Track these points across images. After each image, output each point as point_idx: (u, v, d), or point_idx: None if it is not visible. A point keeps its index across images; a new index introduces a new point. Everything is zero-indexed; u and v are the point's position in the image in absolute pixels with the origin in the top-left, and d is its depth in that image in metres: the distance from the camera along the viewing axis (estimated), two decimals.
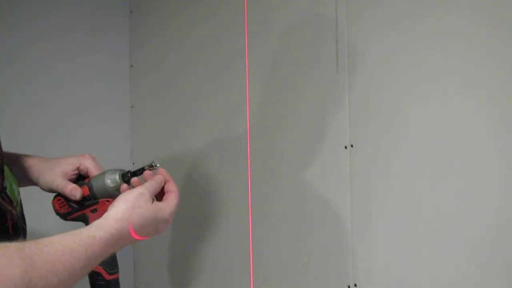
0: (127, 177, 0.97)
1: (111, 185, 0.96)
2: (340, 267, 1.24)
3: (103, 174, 0.98)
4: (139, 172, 0.97)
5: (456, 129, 1.03)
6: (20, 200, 0.94)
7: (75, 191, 0.96)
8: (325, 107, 1.28)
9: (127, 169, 1.00)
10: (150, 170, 0.95)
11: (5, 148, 0.97)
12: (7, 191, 0.88)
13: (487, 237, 0.98)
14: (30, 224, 0.96)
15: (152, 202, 0.88)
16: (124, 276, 2.00)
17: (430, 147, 1.07)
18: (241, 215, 1.48)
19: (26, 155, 1.03)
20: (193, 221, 1.71)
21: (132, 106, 2.05)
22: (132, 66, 2.05)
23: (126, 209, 0.83)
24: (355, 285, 1.20)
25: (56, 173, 0.99)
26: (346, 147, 1.22)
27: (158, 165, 0.95)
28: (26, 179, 1.01)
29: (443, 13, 1.04)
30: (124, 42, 2.06)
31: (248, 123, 1.47)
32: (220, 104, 1.62)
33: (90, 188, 0.97)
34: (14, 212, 0.87)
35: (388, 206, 1.14)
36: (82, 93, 1.95)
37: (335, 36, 1.24)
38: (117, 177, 0.96)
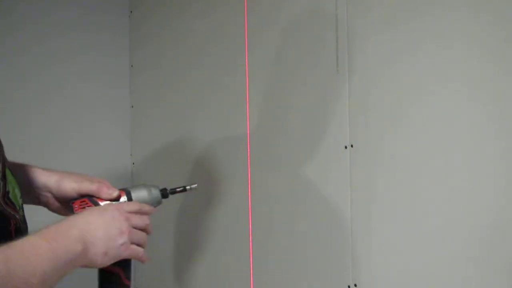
0: (166, 193, 1.00)
1: (155, 196, 0.98)
2: (340, 267, 1.24)
3: (143, 185, 0.99)
4: (178, 190, 1.00)
5: (456, 128, 1.03)
6: (22, 204, 0.93)
7: (112, 190, 0.97)
8: (325, 107, 1.28)
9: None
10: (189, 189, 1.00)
11: (6, 148, 0.97)
12: (10, 195, 0.87)
13: (487, 237, 0.98)
14: (31, 227, 0.95)
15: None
16: None
17: (430, 146, 1.07)
18: (241, 215, 1.49)
19: (34, 166, 1.03)
20: (193, 221, 1.71)
21: (132, 106, 2.05)
22: (132, 66, 2.05)
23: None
24: (355, 285, 1.20)
25: (82, 176, 0.99)
26: (346, 147, 1.22)
27: (195, 186, 1.00)
28: (39, 186, 1.00)
29: (443, 12, 1.05)
30: (124, 42, 2.06)
31: (248, 123, 1.47)
32: (220, 104, 1.62)
33: (128, 194, 0.98)
34: (17, 216, 0.87)
35: (388, 206, 1.14)
36: (82, 93, 1.95)
37: (335, 36, 1.24)
38: (158, 192, 0.99)
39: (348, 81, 1.22)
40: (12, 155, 1.01)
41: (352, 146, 1.21)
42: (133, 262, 0.93)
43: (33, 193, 0.98)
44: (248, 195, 1.45)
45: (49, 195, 0.99)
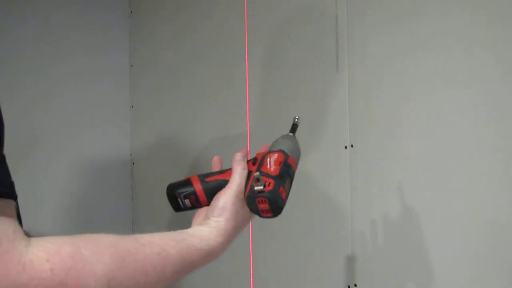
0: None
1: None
2: (340, 266, 1.24)
3: (286, 137, 0.96)
4: (293, 130, 0.97)
5: (455, 128, 1.03)
6: (17, 199, 0.93)
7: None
8: (325, 107, 1.28)
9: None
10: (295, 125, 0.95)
11: (6, 148, 0.96)
12: None
13: (488, 237, 0.98)
14: (25, 224, 0.95)
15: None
16: None
17: (430, 146, 1.07)
18: None
19: None
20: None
21: (132, 106, 2.05)
22: (132, 66, 2.05)
23: (228, 219, 0.84)
24: (355, 285, 1.20)
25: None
26: (346, 147, 1.22)
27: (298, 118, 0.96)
28: None
29: (443, 12, 1.05)
30: (124, 42, 2.06)
31: (248, 123, 1.47)
32: (220, 103, 1.62)
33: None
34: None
35: (388, 206, 1.14)
36: (82, 93, 1.95)
37: (335, 36, 1.24)
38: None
39: (348, 81, 1.22)
40: (12, 155, 1.01)
41: (352, 146, 1.21)
42: None
43: None
44: None
45: None
